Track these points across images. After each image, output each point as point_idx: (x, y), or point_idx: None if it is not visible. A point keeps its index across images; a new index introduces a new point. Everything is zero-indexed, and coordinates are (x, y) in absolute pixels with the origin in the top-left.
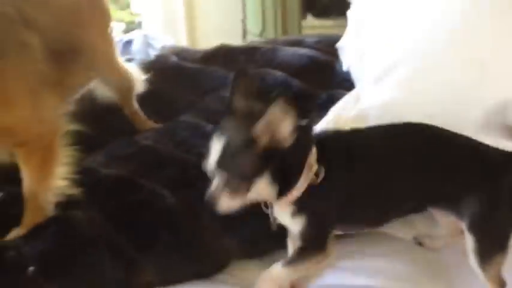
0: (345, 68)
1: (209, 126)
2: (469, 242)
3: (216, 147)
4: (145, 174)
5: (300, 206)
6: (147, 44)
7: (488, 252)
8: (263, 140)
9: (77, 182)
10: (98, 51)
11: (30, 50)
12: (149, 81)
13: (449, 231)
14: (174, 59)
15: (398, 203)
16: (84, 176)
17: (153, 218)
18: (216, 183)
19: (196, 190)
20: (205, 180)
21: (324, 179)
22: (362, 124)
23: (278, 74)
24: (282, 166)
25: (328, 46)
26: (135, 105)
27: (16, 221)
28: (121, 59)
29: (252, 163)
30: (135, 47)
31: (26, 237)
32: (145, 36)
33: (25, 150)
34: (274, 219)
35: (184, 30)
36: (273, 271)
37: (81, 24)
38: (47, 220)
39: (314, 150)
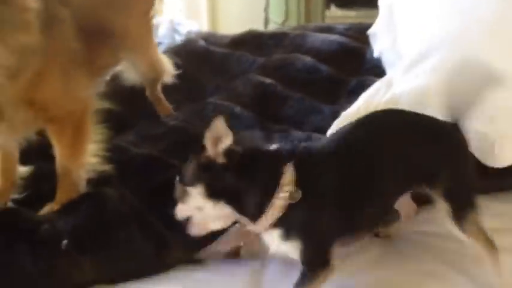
0: (376, 54)
1: (237, 108)
2: (446, 209)
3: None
4: (175, 154)
5: (288, 228)
6: (173, 30)
7: (463, 212)
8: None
9: (108, 160)
10: (131, 36)
11: (64, 27)
12: (177, 65)
13: (404, 215)
14: (202, 43)
15: (387, 198)
16: (115, 155)
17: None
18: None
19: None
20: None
21: (308, 197)
22: None
23: (307, 59)
24: (227, 185)
25: (359, 33)
26: (159, 91)
27: (49, 197)
28: (156, 48)
29: (190, 170)
30: (161, 31)
31: (59, 212)
32: (172, 21)
33: (56, 127)
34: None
35: (206, 18)
36: None
37: (116, 7)
38: (80, 196)
39: (289, 171)
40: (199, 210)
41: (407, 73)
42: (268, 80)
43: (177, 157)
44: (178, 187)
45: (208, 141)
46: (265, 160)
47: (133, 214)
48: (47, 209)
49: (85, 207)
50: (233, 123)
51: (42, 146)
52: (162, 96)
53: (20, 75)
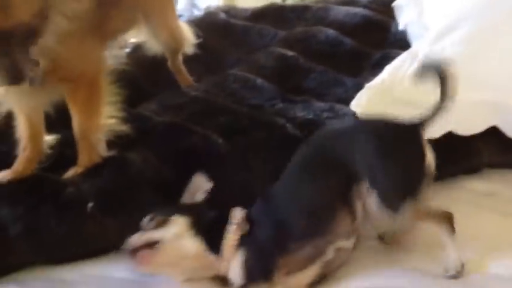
0: (401, 27)
1: (258, 80)
2: (373, 197)
3: None
4: (197, 122)
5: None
6: (192, 4)
7: (394, 199)
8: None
9: (131, 128)
10: (151, 4)
11: None
12: (198, 37)
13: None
14: (222, 16)
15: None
16: (138, 122)
17: (205, 162)
18: None
19: (249, 139)
20: (258, 129)
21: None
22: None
23: (330, 32)
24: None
25: (383, 6)
26: (180, 62)
27: (73, 162)
28: (176, 16)
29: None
30: (180, 5)
31: (84, 176)
32: None
33: (71, 87)
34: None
35: None
36: None
37: None
38: (104, 160)
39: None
40: (171, 241)
41: (434, 45)
42: (290, 53)
43: (199, 125)
44: (156, 216)
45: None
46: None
47: (156, 178)
48: (71, 173)
49: (109, 170)
50: (254, 95)
51: (63, 114)
52: (183, 67)
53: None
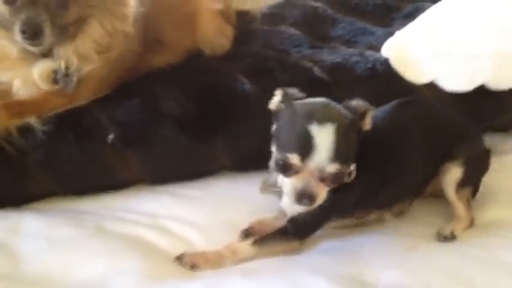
0: None
1: (286, 28)
2: (456, 174)
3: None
4: (222, 62)
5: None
6: None
7: (466, 181)
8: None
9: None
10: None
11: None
12: None
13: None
14: None
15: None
16: None
17: (228, 100)
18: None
19: (274, 80)
20: (283, 71)
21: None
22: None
23: None
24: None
25: None
26: None
27: None
28: None
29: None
30: None
31: (103, 105)
32: None
33: None
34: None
35: None
36: (240, 246)
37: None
38: (128, 91)
39: None
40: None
41: None
42: (317, 4)
43: (224, 65)
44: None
45: None
46: None
47: (179, 112)
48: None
49: (134, 103)
50: (282, 42)
51: None
52: None
53: (107, 53)
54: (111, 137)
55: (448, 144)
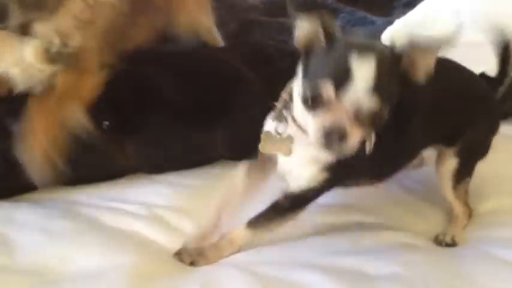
0: None
1: (284, 19)
2: (452, 164)
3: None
4: (221, 50)
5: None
6: None
7: (462, 174)
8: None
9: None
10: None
11: None
12: None
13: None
14: None
15: (415, 150)
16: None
17: (227, 88)
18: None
19: (273, 68)
20: (282, 59)
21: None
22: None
23: None
24: None
25: None
26: None
27: None
28: None
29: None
30: None
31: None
32: None
33: None
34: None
35: None
36: (235, 234)
37: None
38: (125, 77)
39: None
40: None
41: None
42: None
43: (222, 52)
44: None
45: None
46: None
47: (175, 98)
48: None
49: (129, 88)
50: (281, 33)
51: None
52: None
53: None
54: (106, 123)
55: (465, 124)
